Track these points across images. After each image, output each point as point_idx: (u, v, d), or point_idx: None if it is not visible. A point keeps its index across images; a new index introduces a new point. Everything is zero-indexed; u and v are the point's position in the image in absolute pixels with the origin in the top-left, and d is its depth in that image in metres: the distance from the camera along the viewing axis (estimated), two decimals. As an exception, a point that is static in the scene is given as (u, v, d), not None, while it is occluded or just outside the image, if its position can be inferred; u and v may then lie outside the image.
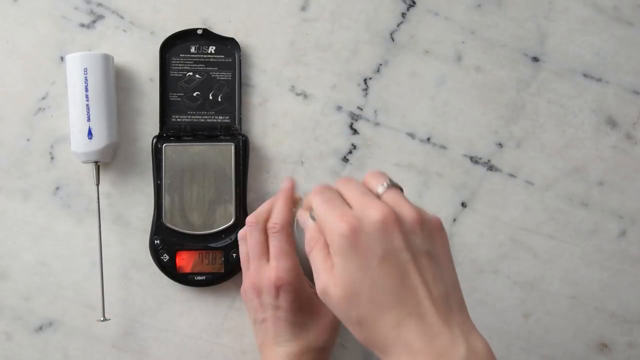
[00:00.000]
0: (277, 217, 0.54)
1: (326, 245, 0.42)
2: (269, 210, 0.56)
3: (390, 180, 0.43)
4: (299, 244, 0.54)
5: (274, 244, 0.53)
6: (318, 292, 0.41)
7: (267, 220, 0.55)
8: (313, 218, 0.43)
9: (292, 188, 0.57)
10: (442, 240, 0.42)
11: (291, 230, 0.54)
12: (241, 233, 0.56)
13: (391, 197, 0.42)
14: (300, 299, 0.53)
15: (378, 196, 0.42)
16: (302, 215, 0.45)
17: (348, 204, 0.42)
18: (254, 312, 0.55)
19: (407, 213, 0.41)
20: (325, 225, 0.41)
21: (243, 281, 0.56)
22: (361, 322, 0.40)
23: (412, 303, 0.39)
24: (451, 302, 0.40)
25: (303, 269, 0.54)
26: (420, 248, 0.40)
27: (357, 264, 0.39)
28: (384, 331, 0.39)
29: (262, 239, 0.54)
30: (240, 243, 0.56)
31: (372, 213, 0.40)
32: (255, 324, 0.55)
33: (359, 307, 0.39)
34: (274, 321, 0.53)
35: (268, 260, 0.54)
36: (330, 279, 0.40)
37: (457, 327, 0.39)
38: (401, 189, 0.43)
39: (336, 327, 0.56)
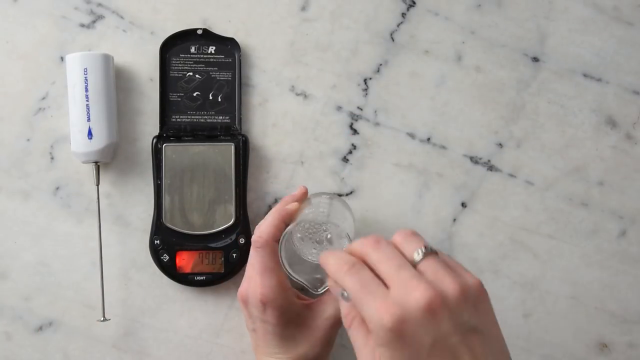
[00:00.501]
0: (264, 231, 0.52)
1: (364, 323, 0.40)
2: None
3: (426, 245, 0.39)
4: (290, 256, 0.52)
5: (258, 260, 0.52)
6: None
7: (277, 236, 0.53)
8: (346, 296, 0.40)
9: (286, 202, 0.55)
10: (486, 308, 0.39)
11: (278, 246, 0.51)
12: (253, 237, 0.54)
13: (430, 268, 0.38)
14: (288, 313, 0.52)
15: (414, 265, 0.39)
16: (334, 289, 0.41)
17: (384, 282, 0.38)
18: (246, 321, 0.54)
19: (451, 288, 0.37)
20: (364, 313, 0.38)
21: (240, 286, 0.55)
22: None
23: None
24: None
25: (291, 283, 0.53)
26: (468, 326, 0.37)
27: (405, 356, 0.36)
28: None
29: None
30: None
31: (416, 297, 0.36)
32: (248, 330, 0.55)
33: None
34: (263, 333, 0.52)
35: None
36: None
37: None
38: (437, 253, 0.39)
39: (331, 339, 0.54)
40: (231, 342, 0.60)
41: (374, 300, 0.37)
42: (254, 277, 0.52)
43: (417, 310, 0.36)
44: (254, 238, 0.52)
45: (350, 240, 0.49)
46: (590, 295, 0.62)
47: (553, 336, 0.62)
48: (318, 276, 0.52)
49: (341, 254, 0.41)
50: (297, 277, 0.51)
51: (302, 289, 0.54)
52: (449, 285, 0.37)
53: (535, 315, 0.62)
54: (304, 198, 0.57)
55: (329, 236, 0.54)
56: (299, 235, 0.54)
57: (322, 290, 0.52)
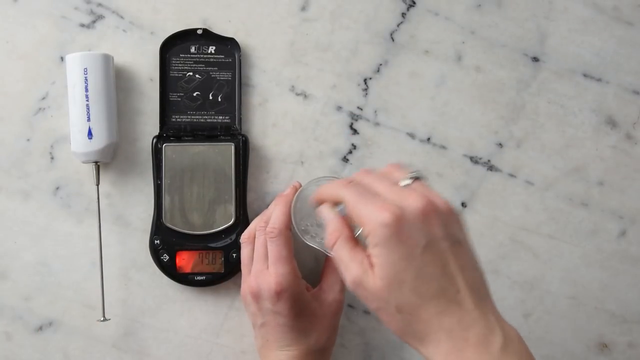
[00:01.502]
0: (276, 221, 0.54)
1: (350, 238, 0.43)
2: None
3: (414, 171, 0.43)
4: (300, 238, 0.54)
5: (272, 249, 0.53)
6: (348, 283, 0.41)
7: None
8: (341, 209, 0.43)
9: (294, 189, 0.57)
10: (465, 231, 0.43)
11: (290, 235, 0.54)
12: (244, 235, 0.56)
13: (419, 187, 0.42)
14: (300, 304, 0.53)
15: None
16: (324, 210, 0.45)
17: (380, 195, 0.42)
18: (253, 316, 0.55)
19: (440, 202, 0.41)
20: (363, 216, 0.40)
21: (242, 284, 0.56)
22: (401, 311, 0.40)
23: (452, 291, 0.39)
24: (482, 291, 0.41)
25: (301, 273, 0.54)
26: (455, 237, 0.41)
27: (401, 253, 0.39)
28: (425, 319, 0.39)
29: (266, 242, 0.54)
30: (242, 246, 0.56)
31: (412, 202, 0.40)
32: (255, 328, 0.55)
33: (401, 296, 0.39)
34: (274, 326, 0.53)
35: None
36: (364, 270, 0.40)
37: (492, 315, 0.40)
38: (424, 179, 0.44)
39: (335, 326, 0.56)
40: (231, 342, 0.60)
41: (372, 203, 0.40)
42: (265, 270, 0.53)
43: (414, 212, 0.40)
44: (268, 229, 0.53)
45: None
46: (590, 295, 0.62)
47: (553, 336, 0.62)
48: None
49: (338, 180, 0.45)
50: (312, 243, 0.53)
51: (309, 279, 0.55)
52: (438, 200, 0.41)
53: (535, 315, 0.62)
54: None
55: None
56: (310, 194, 0.55)
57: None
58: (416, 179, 0.43)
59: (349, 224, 0.45)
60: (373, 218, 0.40)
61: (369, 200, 0.41)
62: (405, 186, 0.42)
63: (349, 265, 0.41)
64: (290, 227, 0.54)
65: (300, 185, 0.57)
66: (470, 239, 0.42)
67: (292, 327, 0.52)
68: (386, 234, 0.39)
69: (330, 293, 0.55)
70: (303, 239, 0.54)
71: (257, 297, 0.53)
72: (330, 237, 0.44)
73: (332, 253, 0.54)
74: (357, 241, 0.43)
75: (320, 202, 0.47)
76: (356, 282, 0.41)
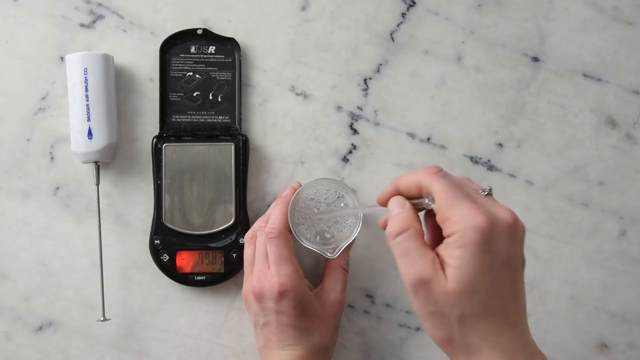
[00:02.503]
0: (275, 222, 0.53)
1: (421, 234, 0.41)
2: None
3: (488, 186, 0.42)
4: (298, 240, 0.54)
5: (272, 250, 0.53)
6: (409, 280, 0.39)
7: None
8: (427, 202, 0.41)
9: (293, 190, 0.56)
10: None
11: (289, 235, 0.54)
12: (248, 235, 0.56)
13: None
14: (303, 303, 0.53)
15: None
16: (396, 201, 0.42)
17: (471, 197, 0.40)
18: (255, 316, 0.55)
19: (520, 222, 0.40)
20: (454, 214, 0.38)
21: (244, 284, 0.56)
22: (462, 320, 0.38)
23: (512, 311, 0.39)
24: (526, 317, 0.41)
25: (303, 272, 0.54)
26: (524, 258, 0.41)
27: (484, 262, 0.38)
28: (482, 333, 0.38)
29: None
30: (245, 245, 0.56)
31: (504, 213, 0.39)
32: (257, 328, 0.55)
33: (469, 305, 0.38)
34: (277, 325, 0.53)
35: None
36: (435, 270, 0.38)
37: (532, 341, 0.40)
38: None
39: (336, 326, 0.56)
40: (231, 342, 0.60)
41: (468, 202, 0.39)
42: (267, 270, 0.53)
43: (505, 224, 0.39)
44: (267, 230, 0.53)
45: (354, 193, 0.55)
46: (590, 295, 0.62)
47: (553, 336, 0.62)
48: (329, 246, 0.54)
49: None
50: (308, 244, 0.53)
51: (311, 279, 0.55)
52: (520, 222, 0.40)
53: (535, 315, 0.62)
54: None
55: (335, 195, 0.56)
56: (309, 195, 0.55)
57: (338, 253, 0.54)
58: (489, 193, 0.42)
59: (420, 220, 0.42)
60: (467, 218, 0.38)
61: (463, 198, 0.39)
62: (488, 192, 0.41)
63: (417, 262, 0.39)
64: (290, 229, 0.54)
65: (300, 185, 0.57)
66: None
67: (295, 327, 0.52)
68: (477, 238, 0.37)
69: (331, 293, 0.55)
70: (300, 241, 0.54)
71: (259, 297, 0.53)
72: (397, 226, 0.41)
73: (334, 256, 0.54)
74: (424, 240, 0.41)
75: (393, 193, 0.44)
76: (422, 281, 0.38)
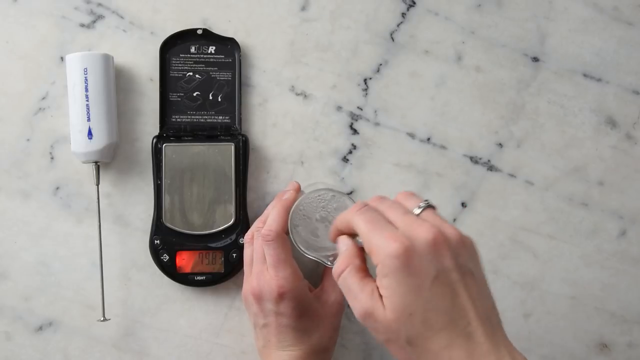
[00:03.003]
0: (272, 224, 0.53)
1: (361, 268, 0.42)
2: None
3: (425, 201, 0.43)
4: (297, 248, 0.53)
5: (270, 252, 0.53)
6: (357, 315, 0.41)
7: None
8: (360, 241, 0.42)
9: (294, 193, 0.56)
10: (478, 260, 0.42)
11: (286, 237, 0.54)
12: (247, 235, 0.56)
13: (430, 216, 0.42)
14: (303, 304, 0.53)
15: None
16: (340, 240, 0.45)
17: (392, 224, 0.41)
18: (255, 317, 0.55)
19: (451, 232, 0.41)
20: (373, 246, 0.40)
21: (244, 285, 0.55)
22: (411, 343, 0.39)
23: (462, 323, 0.39)
24: (493, 321, 0.40)
25: (303, 273, 0.54)
26: (465, 267, 0.40)
27: (410, 284, 0.39)
28: (434, 351, 0.39)
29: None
30: (245, 246, 0.56)
31: (422, 233, 0.40)
32: (256, 328, 0.55)
33: (411, 328, 0.39)
34: (277, 326, 0.53)
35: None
36: (374, 302, 0.40)
37: (503, 347, 0.39)
38: (435, 208, 0.43)
39: (337, 326, 0.56)
40: (231, 342, 0.60)
41: (382, 231, 0.40)
42: (266, 272, 0.53)
43: (424, 243, 0.39)
44: (263, 232, 0.53)
45: (353, 201, 0.53)
46: (590, 295, 0.62)
47: (553, 336, 0.62)
48: (328, 253, 0.53)
49: (354, 205, 0.44)
50: (308, 253, 0.52)
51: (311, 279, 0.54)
52: (449, 230, 0.41)
53: (535, 315, 0.62)
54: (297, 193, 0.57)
55: (335, 205, 0.55)
56: (307, 205, 0.55)
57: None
58: (427, 207, 0.42)
59: (363, 256, 0.44)
60: (382, 248, 0.39)
61: (379, 229, 0.40)
62: (417, 214, 0.42)
63: (359, 296, 0.41)
64: (287, 231, 0.53)
65: (299, 185, 0.57)
66: (482, 268, 0.42)
67: (295, 328, 0.52)
68: (395, 265, 0.39)
69: (332, 294, 0.55)
70: (300, 250, 0.53)
71: (259, 298, 0.53)
72: (339, 265, 0.43)
73: (337, 280, 0.53)
74: (367, 272, 0.43)
75: (337, 233, 0.46)
76: (366, 313, 0.40)
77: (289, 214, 0.54)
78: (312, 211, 0.55)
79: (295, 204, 0.53)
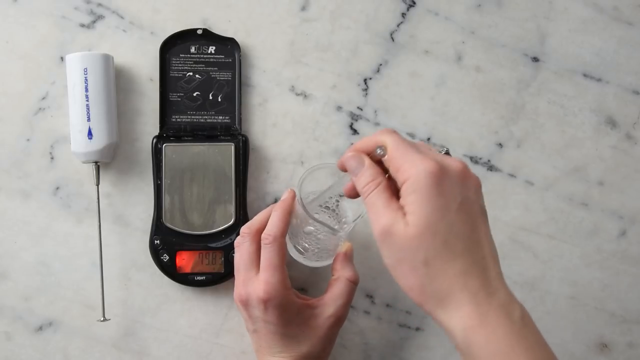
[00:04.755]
0: (272, 228, 0.53)
1: (388, 188, 0.42)
2: (263, 220, 0.54)
3: (444, 147, 0.45)
4: (292, 254, 0.53)
5: (265, 256, 0.52)
6: (377, 232, 0.41)
7: (260, 230, 0.54)
8: (380, 153, 0.42)
9: (292, 199, 0.55)
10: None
11: (284, 243, 0.53)
12: (237, 241, 0.55)
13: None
14: (288, 312, 0.52)
15: None
16: (354, 158, 0.44)
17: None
18: (245, 322, 0.54)
19: (474, 176, 0.42)
20: (406, 162, 0.40)
21: (234, 290, 0.54)
22: (427, 263, 0.39)
23: (479, 255, 0.40)
24: (499, 264, 0.42)
25: (301, 273, 0.54)
26: (484, 209, 0.42)
27: (438, 204, 0.39)
28: (450, 275, 0.39)
29: (252, 249, 0.53)
30: (235, 250, 0.55)
31: (453, 162, 0.41)
32: (249, 332, 0.55)
33: (432, 248, 0.39)
34: (265, 333, 0.52)
35: (257, 272, 0.53)
36: (397, 218, 0.40)
37: (509, 292, 0.41)
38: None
39: (332, 338, 0.54)
40: (231, 342, 0.60)
41: (417, 153, 0.41)
42: (254, 278, 0.52)
43: (455, 170, 0.40)
44: (263, 235, 0.52)
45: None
46: (590, 295, 0.62)
47: (553, 336, 0.62)
48: (336, 227, 0.53)
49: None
50: (317, 217, 0.52)
51: (301, 289, 0.55)
52: (472, 173, 0.42)
53: (535, 315, 0.61)
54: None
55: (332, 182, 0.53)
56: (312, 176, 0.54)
57: (346, 228, 0.53)
58: (447, 152, 0.44)
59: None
60: (417, 164, 0.40)
61: (413, 148, 0.41)
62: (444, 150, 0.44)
63: (381, 213, 0.41)
64: (286, 235, 0.53)
65: (294, 194, 0.56)
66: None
67: (283, 335, 0.52)
68: (428, 183, 0.39)
69: (331, 306, 0.53)
70: (311, 217, 0.51)
71: (246, 304, 0.52)
72: (367, 185, 0.42)
73: (341, 232, 0.52)
74: (393, 192, 0.42)
75: (352, 154, 0.45)
76: (386, 229, 0.40)
77: (289, 217, 0.53)
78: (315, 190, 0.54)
79: (303, 174, 0.53)
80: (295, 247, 0.57)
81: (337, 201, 0.55)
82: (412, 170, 0.40)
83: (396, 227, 0.40)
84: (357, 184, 0.44)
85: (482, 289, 0.39)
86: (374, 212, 0.41)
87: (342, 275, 0.54)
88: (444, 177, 0.40)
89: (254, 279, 0.52)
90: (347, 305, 0.54)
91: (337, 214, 0.56)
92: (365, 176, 0.43)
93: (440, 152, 0.43)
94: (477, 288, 0.39)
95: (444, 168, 0.40)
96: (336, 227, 0.54)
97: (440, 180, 0.39)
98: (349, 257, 0.55)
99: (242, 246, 0.54)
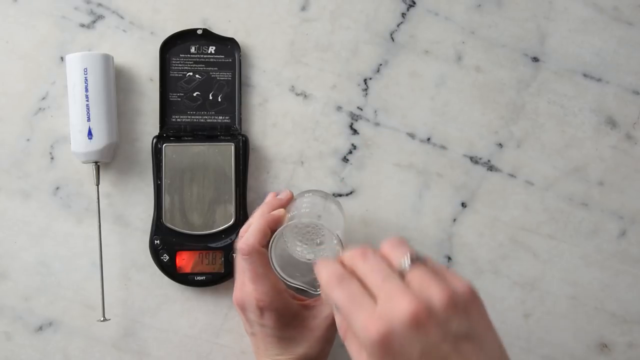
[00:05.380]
0: (249, 238, 0.51)
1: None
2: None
3: (413, 253, 0.39)
4: (282, 259, 0.51)
5: (248, 267, 0.51)
6: None
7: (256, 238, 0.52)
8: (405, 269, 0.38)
9: (272, 205, 0.54)
10: (478, 311, 0.37)
11: (263, 251, 0.51)
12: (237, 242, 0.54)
13: (417, 277, 0.37)
14: (285, 315, 0.52)
15: (402, 274, 0.38)
16: (328, 300, 0.41)
17: (371, 292, 0.38)
18: (244, 325, 0.55)
19: (438, 296, 0.36)
20: (352, 327, 0.37)
21: (233, 292, 0.54)
22: None
23: None
24: None
25: (288, 286, 0.52)
26: (459, 333, 0.36)
27: None
28: None
29: None
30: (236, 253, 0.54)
31: (401, 310, 0.35)
32: (248, 335, 0.55)
33: None
34: (263, 337, 0.52)
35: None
36: None
37: None
38: (425, 261, 0.39)
39: (330, 339, 0.54)
40: (231, 342, 0.60)
41: (360, 314, 0.37)
42: (247, 284, 0.52)
43: (403, 323, 0.35)
44: (240, 246, 0.51)
45: (341, 243, 0.49)
46: (590, 295, 0.62)
47: (553, 336, 0.62)
48: (315, 276, 0.52)
49: (332, 266, 0.40)
50: (292, 281, 0.51)
51: (300, 291, 0.54)
52: (436, 294, 0.36)
53: (535, 315, 0.62)
54: (289, 204, 0.55)
55: (319, 240, 0.54)
56: (290, 235, 0.54)
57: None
58: (415, 262, 0.38)
59: None
60: (362, 333, 0.36)
61: (356, 308, 0.37)
62: (408, 267, 0.38)
63: None
64: (265, 245, 0.51)
65: (292, 195, 0.56)
66: (486, 320, 0.38)
67: (280, 337, 0.52)
68: (376, 351, 0.35)
69: (328, 307, 0.53)
70: (281, 277, 0.51)
71: (242, 309, 0.52)
72: (340, 329, 0.41)
73: (317, 294, 0.51)
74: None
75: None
76: None
77: (269, 229, 0.51)
78: (294, 238, 0.53)
79: (281, 229, 0.50)
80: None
81: (320, 240, 0.54)
82: (359, 339, 0.37)
83: None
84: (336, 320, 0.42)
85: None
86: (352, 358, 0.39)
87: None
88: (391, 339, 0.35)
89: (247, 285, 0.52)
90: None
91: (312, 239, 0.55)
92: (337, 319, 0.41)
93: (407, 261, 0.38)
94: None
95: (389, 329, 0.35)
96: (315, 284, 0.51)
97: (387, 344, 0.35)
98: None
99: (238, 254, 0.53)
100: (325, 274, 0.40)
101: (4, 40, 0.60)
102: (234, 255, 0.57)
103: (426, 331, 0.35)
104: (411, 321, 0.35)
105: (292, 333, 0.52)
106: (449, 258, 0.62)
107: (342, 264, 0.40)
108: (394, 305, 0.36)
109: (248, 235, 0.51)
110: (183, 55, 0.60)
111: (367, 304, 0.37)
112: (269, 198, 0.56)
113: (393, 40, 0.62)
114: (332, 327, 0.53)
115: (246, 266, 0.51)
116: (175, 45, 0.60)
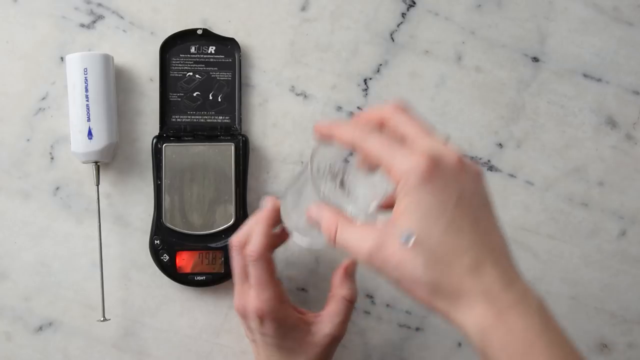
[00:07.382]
0: (255, 244, 0.50)
1: (350, 220, 0.40)
2: (251, 232, 0.51)
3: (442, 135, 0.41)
4: (296, 240, 0.51)
5: (253, 272, 0.50)
6: (365, 256, 0.38)
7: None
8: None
9: (273, 209, 0.52)
10: (491, 197, 0.40)
11: (270, 258, 0.51)
12: (231, 252, 0.53)
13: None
14: (286, 325, 0.51)
15: None
16: (311, 209, 0.42)
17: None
18: (245, 331, 0.54)
19: (474, 167, 0.39)
20: (394, 164, 0.37)
21: (234, 299, 0.54)
22: (431, 267, 0.37)
23: (486, 247, 0.38)
24: (510, 254, 0.39)
25: (301, 274, 0.53)
26: (486, 200, 0.39)
27: (432, 204, 0.37)
28: (458, 274, 0.37)
29: (244, 263, 0.51)
30: (232, 256, 0.53)
31: (449, 151, 0.38)
32: (248, 340, 0.55)
33: (432, 249, 0.37)
34: (263, 345, 0.52)
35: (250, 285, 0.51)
36: (385, 234, 0.38)
37: (522, 278, 0.39)
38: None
39: (328, 356, 0.53)
40: (231, 342, 0.60)
41: (404, 150, 0.38)
42: (248, 291, 0.51)
43: (450, 161, 0.37)
44: (248, 252, 0.50)
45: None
46: (590, 295, 0.62)
47: (553, 336, 0.62)
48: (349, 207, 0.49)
49: (358, 124, 0.41)
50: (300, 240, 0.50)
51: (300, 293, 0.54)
52: (471, 163, 0.39)
53: (535, 315, 0.62)
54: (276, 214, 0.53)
55: (341, 181, 0.50)
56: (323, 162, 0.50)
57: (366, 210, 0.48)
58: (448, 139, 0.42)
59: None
60: (408, 163, 0.37)
61: (399, 147, 0.38)
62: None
63: (361, 238, 0.38)
64: (270, 249, 0.51)
65: (275, 201, 0.54)
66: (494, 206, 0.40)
67: (280, 347, 0.52)
68: (419, 181, 0.36)
69: (327, 325, 0.52)
70: (294, 234, 0.50)
71: (243, 316, 0.52)
72: (328, 229, 0.41)
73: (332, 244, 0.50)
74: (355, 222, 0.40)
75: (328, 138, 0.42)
76: (377, 247, 0.38)
77: (271, 229, 0.51)
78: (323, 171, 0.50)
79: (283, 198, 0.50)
80: (296, 231, 0.52)
81: (344, 175, 0.51)
82: (398, 173, 0.37)
83: (386, 240, 0.38)
84: (322, 231, 0.41)
85: (495, 283, 0.37)
86: (352, 244, 0.40)
87: (338, 293, 0.53)
88: (435, 173, 0.37)
89: (248, 292, 0.51)
90: (345, 323, 0.52)
91: (346, 189, 0.53)
92: (325, 220, 0.41)
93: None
94: (489, 283, 0.37)
95: (436, 162, 0.37)
96: (350, 207, 0.48)
97: (432, 175, 0.37)
98: (349, 273, 0.53)
99: (234, 260, 0.52)
100: (350, 128, 0.41)
101: (4, 40, 0.60)
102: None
103: (466, 178, 0.38)
104: (458, 162, 0.38)
105: (292, 344, 0.52)
106: (449, 258, 0.61)
107: (368, 115, 0.42)
108: (441, 147, 0.38)
109: (254, 242, 0.50)
110: (183, 55, 0.60)
111: (406, 147, 0.38)
112: (266, 204, 0.53)
113: (393, 40, 0.62)
114: (331, 345, 0.52)
115: (252, 272, 0.50)
116: (175, 45, 0.60)
